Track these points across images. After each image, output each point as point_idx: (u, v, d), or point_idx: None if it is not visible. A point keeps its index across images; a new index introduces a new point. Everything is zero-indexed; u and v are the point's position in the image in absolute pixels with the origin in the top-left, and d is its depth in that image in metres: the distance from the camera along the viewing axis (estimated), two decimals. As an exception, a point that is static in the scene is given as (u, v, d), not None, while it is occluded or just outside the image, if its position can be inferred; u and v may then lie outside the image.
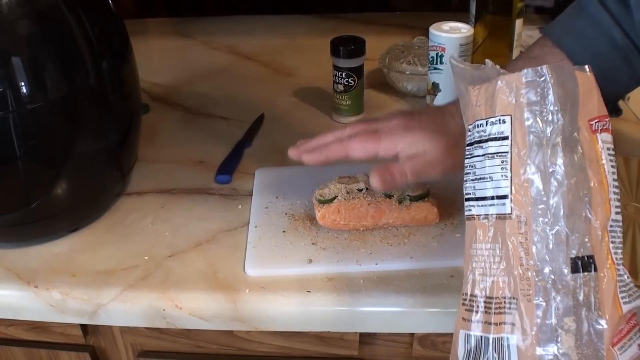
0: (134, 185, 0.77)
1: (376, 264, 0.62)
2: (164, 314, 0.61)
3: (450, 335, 0.65)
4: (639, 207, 0.67)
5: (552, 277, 0.39)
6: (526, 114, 0.41)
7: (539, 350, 0.38)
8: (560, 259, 0.39)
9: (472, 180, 0.43)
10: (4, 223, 0.65)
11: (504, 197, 0.40)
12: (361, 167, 0.75)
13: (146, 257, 0.66)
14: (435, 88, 0.87)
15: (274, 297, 0.60)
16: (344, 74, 0.86)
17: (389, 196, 0.65)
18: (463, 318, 0.42)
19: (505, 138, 0.41)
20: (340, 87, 0.88)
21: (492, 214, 0.41)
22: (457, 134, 0.57)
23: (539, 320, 0.38)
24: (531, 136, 0.40)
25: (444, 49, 0.83)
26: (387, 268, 0.62)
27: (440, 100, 0.87)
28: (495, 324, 0.40)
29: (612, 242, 0.40)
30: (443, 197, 0.69)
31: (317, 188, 0.67)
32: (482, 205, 0.42)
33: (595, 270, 0.39)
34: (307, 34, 1.21)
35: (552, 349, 0.38)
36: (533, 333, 0.38)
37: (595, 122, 0.41)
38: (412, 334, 0.66)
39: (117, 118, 0.69)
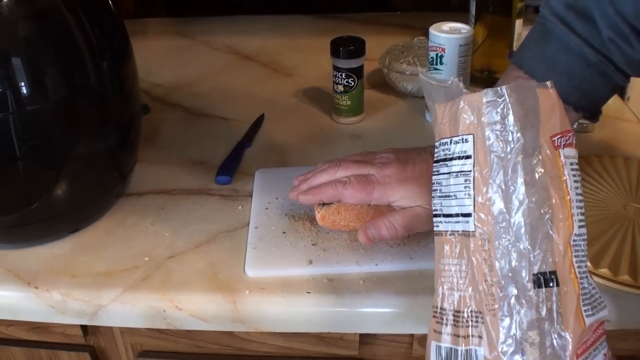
0: (134, 186, 0.77)
1: (376, 265, 0.62)
2: (164, 315, 0.61)
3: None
4: (639, 208, 0.67)
5: (516, 292, 0.40)
6: (487, 134, 0.41)
7: None
8: (523, 274, 0.40)
9: (439, 197, 0.44)
10: (4, 224, 0.65)
11: (468, 215, 0.42)
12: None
13: (146, 258, 0.66)
14: (435, 88, 0.87)
15: (274, 298, 0.60)
16: (344, 74, 0.86)
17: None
18: (434, 330, 0.43)
19: (468, 157, 0.42)
20: (340, 88, 0.88)
21: (457, 231, 0.42)
22: None
23: (503, 334, 0.40)
24: (492, 155, 0.41)
25: (444, 50, 0.83)
26: (387, 269, 0.62)
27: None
28: (464, 337, 0.41)
29: (576, 256, 0.41)
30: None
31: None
32: (448, 222, 0.43)
33: (558, 285, 0.40)
34: (307, 34, 1.21)
35: None
36: (499, 346, 0.40)
37: (558, 138, 0.42)
38: (412, 334, 0.66)
39: (117, 119, 0.69)
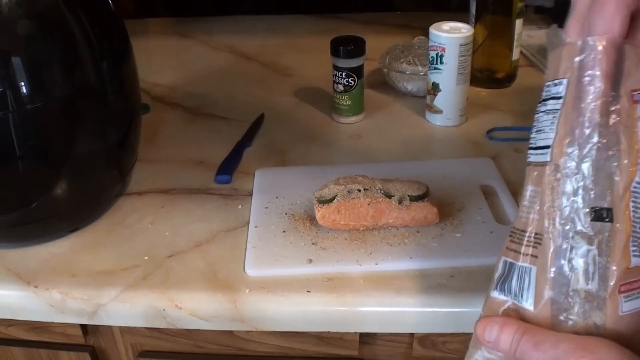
0: (134, 186, 0.77)
1: (376, 264, 0.62)
2: (164, 314, 0.61)
3: (451, 335, 0.65)
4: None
5: (573, 221, 0.44)
6: (576, 78, 0.46)
7: (553, 284, 0.44)
8: (582, 206, 0.44)
9: (535, 132, 0.49)
10: (4, 223, 0.65)
11: (548, 147, 0.47)
12: (359, 168, 0.75)
13: (146, 257, 0.66)
14: (435, 88, 0.87)
15: (274, 297, 0.60)
16: (344, 74, 0.86)
17: (389, 196, 0.65)
18: (507, 247, 0.48)
19: (560, 98, 0.47)
20: (340, 87, 0.88)
21: (540, 161, 0.47)
22: None
23: (556, 258, 0.44)
24: (577, 98, 0.46)
25: (444, 49, 0.83)
26: (387, 268, 0.62)
27: (440, 100, 0.87)
28: (524, 254, 0.46)
29: (633, 201, 0.44)
30: (443, 197, 0.69)
31: (317, 188, 0.67)
32: (536, 154, 0.48)
33: (612, 221, 0.43)
34: (307, 34, 1.21)
35: (565, 284, 0.43)
36: (550, 267, 0.44)
37: (638, 93, 0.46)
38: (412, 334, 0.66)
39: (117, 118, 0.69)
